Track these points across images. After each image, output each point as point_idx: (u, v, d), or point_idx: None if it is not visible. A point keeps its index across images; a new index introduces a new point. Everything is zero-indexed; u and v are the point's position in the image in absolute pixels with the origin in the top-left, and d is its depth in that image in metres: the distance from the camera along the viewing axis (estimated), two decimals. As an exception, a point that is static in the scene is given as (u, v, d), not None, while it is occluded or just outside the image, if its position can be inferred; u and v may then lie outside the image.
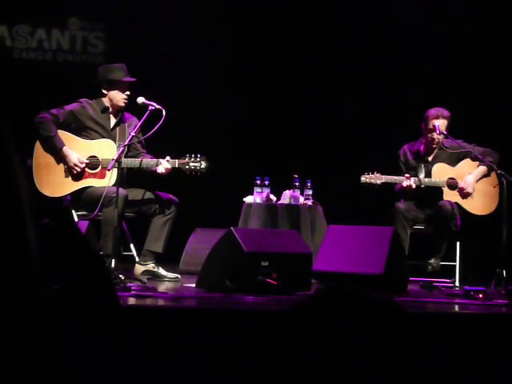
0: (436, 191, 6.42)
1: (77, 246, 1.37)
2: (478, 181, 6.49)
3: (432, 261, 6.30)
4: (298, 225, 6.48)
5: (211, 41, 8.26)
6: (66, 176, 5.85)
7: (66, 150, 5.80)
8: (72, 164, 5.79)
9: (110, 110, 6.01)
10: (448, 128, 6.45)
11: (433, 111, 6.46)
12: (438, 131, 6.35)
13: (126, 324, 1.45)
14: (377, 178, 6.32)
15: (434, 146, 6.54)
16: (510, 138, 7.31)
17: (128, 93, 5.96)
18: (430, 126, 6.44)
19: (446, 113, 6.46)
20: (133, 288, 4.74)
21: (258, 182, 6.72)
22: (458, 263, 6.35)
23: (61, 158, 5.81)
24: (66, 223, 1.37)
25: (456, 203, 6.41)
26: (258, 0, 8.56)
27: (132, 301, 4.33)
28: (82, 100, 6.01)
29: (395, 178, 6.41)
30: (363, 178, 6.32)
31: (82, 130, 5.92)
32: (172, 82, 7.89)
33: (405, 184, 6.31)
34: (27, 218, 1.17)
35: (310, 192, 6.75)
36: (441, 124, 6.42)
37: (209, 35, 8.26)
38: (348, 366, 1.40)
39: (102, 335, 1.35)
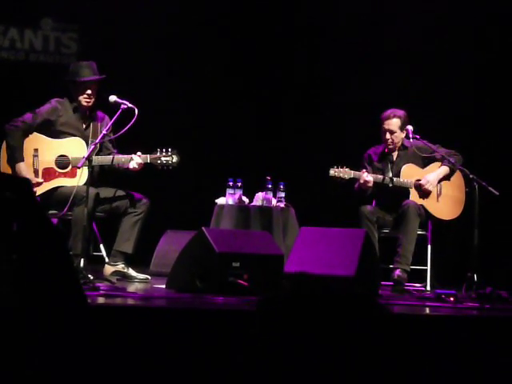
0: (403, 192, 6.37)
1: (36, 219, 1.35)
2: (440, 181, 6.44)
3: (398, 274, 6.11)
4: (270, 227, 6.46)
5: (184, 40, 8.24)
6: (36, 176, 5.79)
7: (20, 166, 5.71)
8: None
9: (80, 109, 5.95)
10: (401, 126, 6.41)
11: (384, 113, 6.44)
12: (411, 135, 6.33)
13: (92, 316, 1.42)
14: (345, 173, 6.25)
15: (390, 147, 6.50)
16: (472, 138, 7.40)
17: (89, 92, 5.87)
18: (384, 126, 6.42)
19: (400, 112, 6.42)
20: (102, 288, 4.68)
21: (231, 183, 6.69)
22: (429, 267, 6.34)
23: (15, 172, 5.70)
24: (25, 195, 1.34)
25: (422, 206, 6.36)
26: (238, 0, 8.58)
27: (101, 300, 4.28)
28: (52, 100, 5.93)
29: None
30: (332, 172, 6.24)
31: (55, 133, 5.86)
32: (144, 81, 7.85)
33: (362, 180, 6.25)
34: None
35: (283, 194, 6.73)
36: (394, 123, 6.40)
37: (183, 35, 8.24)
38: (321, 362, 1.38)
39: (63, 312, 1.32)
